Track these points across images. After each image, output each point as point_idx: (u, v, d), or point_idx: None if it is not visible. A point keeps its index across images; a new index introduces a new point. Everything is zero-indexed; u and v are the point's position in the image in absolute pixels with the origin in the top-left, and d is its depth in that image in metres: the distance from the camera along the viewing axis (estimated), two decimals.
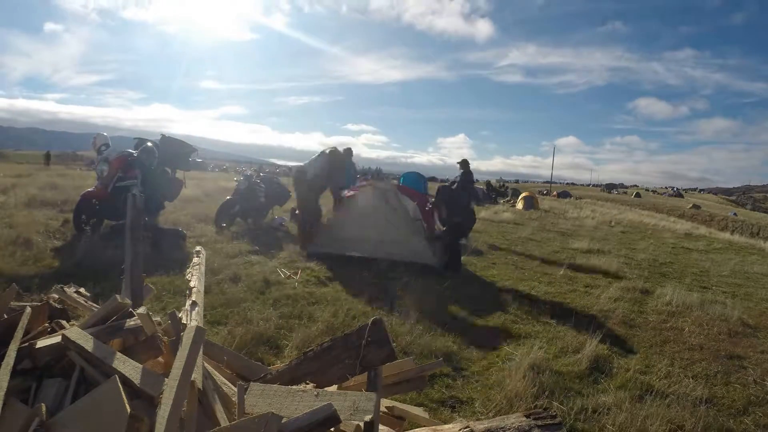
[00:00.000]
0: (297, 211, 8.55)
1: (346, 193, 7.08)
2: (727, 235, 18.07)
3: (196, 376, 1.56)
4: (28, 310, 1.97)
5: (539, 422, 1.61)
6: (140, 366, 1.64)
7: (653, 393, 3.11)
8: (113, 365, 1.62)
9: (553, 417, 1.63)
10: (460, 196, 6.38)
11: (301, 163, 8.62)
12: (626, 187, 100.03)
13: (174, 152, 7.66)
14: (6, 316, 1.98)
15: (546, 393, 2.96)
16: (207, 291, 3.99)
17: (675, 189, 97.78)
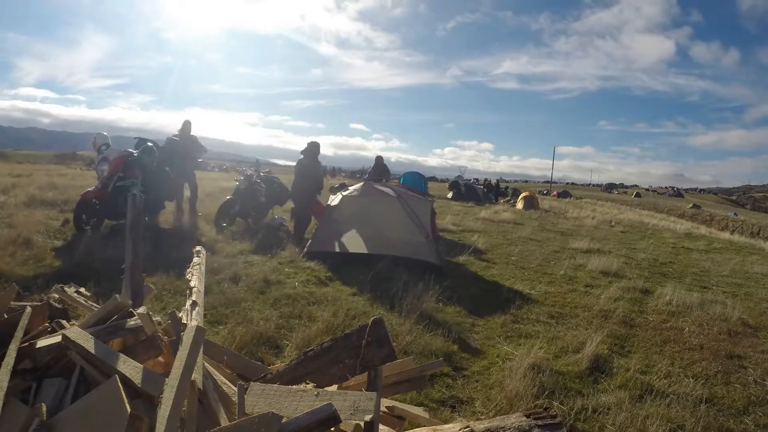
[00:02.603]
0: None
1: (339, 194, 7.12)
2: (727, 235, 18.06)
3: (196, 376, 1.56)
4: (28, 309, 1.97)
5: (539, 422, 1.61)
6: (140, 366, 1.64)
7: (653, 393, 3.11)
8: (113, 365, 1.62)
9: (553, 417, 1.63)
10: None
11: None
12: (626, 187, 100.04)
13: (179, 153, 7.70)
14: (6, 316, 1.98)
15: (546, 393, 2.96)
16: (207, 291, 3.99)
17: (675, 189, 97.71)
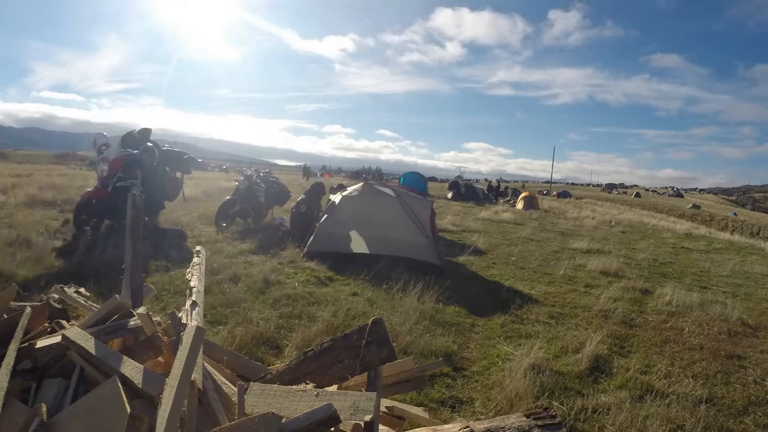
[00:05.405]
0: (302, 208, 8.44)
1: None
2: (727, 235, 18.06)
3: (196, 376, 1.56)
4: (28, 310, 1.98)
5: (539, 422, 1.61)
6: (140, 366, 1.64)
7: (653, 393, 3.11)
8: (113, 365, 1.62)
9: (553, 417, 1.63)
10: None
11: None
12: (626, 187, 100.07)
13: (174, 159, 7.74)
14: (6, 316, 1.98)
15: (546, 393, 2.96)
16: (207, 291, 3.99)
17: (675, 189, 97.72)
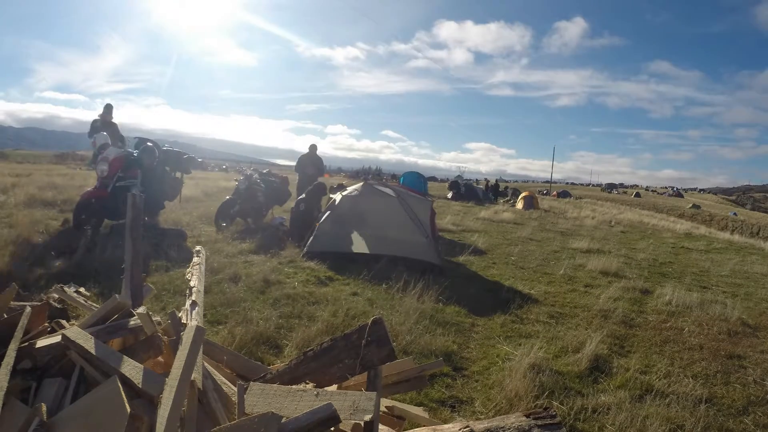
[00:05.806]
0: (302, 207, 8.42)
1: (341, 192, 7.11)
2: (727, 235, 18.05)
3: (196, 375, 1.56)
4: (28, 309, 1.98)
5: (539, 422, 1.61)
6: (140, 366, 1.64)
7: (653, 393, 3.11)
8: (113, 365, 1.62)
9: (553, 417, 1.63)
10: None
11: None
12: (626, 187, 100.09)
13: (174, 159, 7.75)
14: (6, 316, 1.98)
15: (546, 393, 2.96)
16: (207, 291, 3.99)
17: (675, 189, 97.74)
